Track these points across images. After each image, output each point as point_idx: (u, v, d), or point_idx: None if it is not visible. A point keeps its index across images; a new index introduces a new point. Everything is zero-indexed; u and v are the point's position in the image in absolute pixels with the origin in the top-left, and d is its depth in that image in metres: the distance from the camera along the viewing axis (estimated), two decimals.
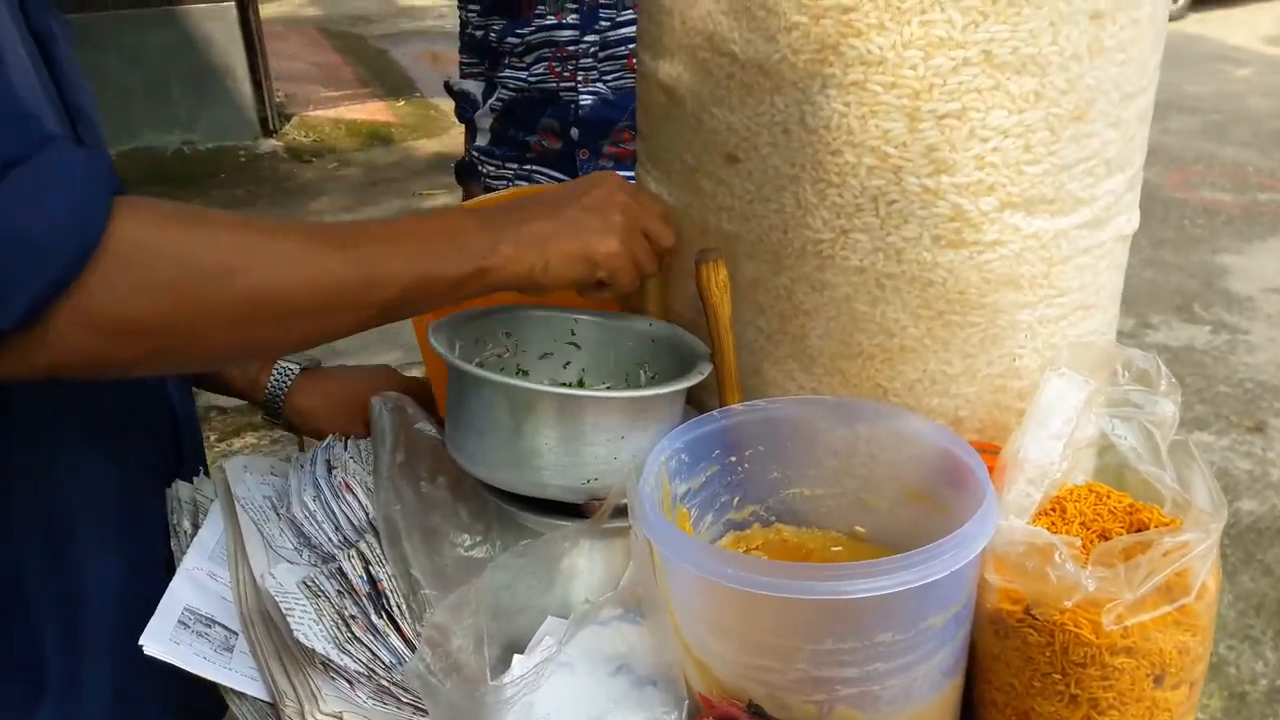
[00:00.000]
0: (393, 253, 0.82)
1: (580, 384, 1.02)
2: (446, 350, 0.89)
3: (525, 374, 1.01)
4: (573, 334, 1.02)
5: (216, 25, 5.91)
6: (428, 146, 6.28)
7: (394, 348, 3.56)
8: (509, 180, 1.81)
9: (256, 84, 6.10)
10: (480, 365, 0.97)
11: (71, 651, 0.94)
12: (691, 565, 0.74)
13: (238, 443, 3.28)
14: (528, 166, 1.79)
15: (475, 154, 1.87)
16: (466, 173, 1.93)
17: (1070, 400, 0.84)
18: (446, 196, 4.74)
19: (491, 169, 1.84)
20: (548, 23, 1.68)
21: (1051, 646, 0.74)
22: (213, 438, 3.26)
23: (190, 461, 1.10)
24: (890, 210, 0.84)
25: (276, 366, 1.20)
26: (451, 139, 6.13)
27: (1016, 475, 0.81)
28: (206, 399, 3.47)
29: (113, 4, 5.38)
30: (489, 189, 1.84)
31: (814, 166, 0.85)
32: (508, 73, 1.75)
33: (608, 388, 1.02)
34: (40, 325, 0.69)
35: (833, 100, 0.82)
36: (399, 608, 0.87)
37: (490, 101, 1.81)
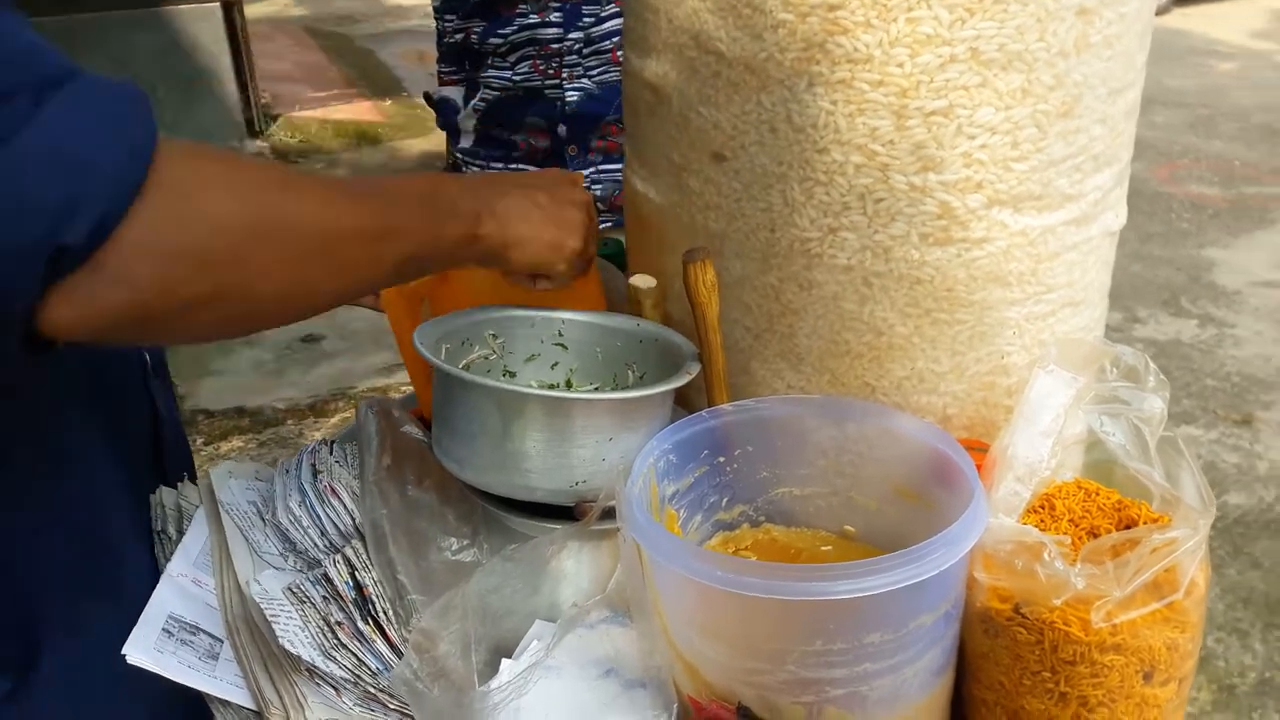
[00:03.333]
0: (402, 207, 0.83)
1: (568, 385, 1.02)
2: (432, 354, 0.89)
3: (512, 376, 1.01)
4: (560, 334, 1.01)
5: (203, 26, 5.86)
6: (415, 146, 6.23)
7: (382, 349, 3.54)
8: None
9: (242, 85, 6.05)
10: (467, 368, 0.96)
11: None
12: (680, 567, 0.73)
13: (224, 446, 3.26)
14: (514, 165, 1.79)
15: (459, 155, 1.87)
16: None
17: (1059, 397, 0.83)
18: None
19: (477, 169, 1.83)
20: (530, 21, 1.69)
21: (1041, 644, 0.74)
22: (199, 441, 3.24)
23: (173, 466, 1.09)
24: (878, 208, 0.84)
25: None
26: (439, 138, 6.08)
27: (1005, 473, 0.81)
28: (192, 404, 3.46)
29: (99, 5, 5.33)
30: None
31: (801, 165, 0.84)
32: (491, 73, 1.75)
33: (595, 388, 1.01)
34: (108, 252, 0.65)
35: (820, 98, 0.82)
36: (385, 613, 0.86)
37: (473, 103, 1.81)
